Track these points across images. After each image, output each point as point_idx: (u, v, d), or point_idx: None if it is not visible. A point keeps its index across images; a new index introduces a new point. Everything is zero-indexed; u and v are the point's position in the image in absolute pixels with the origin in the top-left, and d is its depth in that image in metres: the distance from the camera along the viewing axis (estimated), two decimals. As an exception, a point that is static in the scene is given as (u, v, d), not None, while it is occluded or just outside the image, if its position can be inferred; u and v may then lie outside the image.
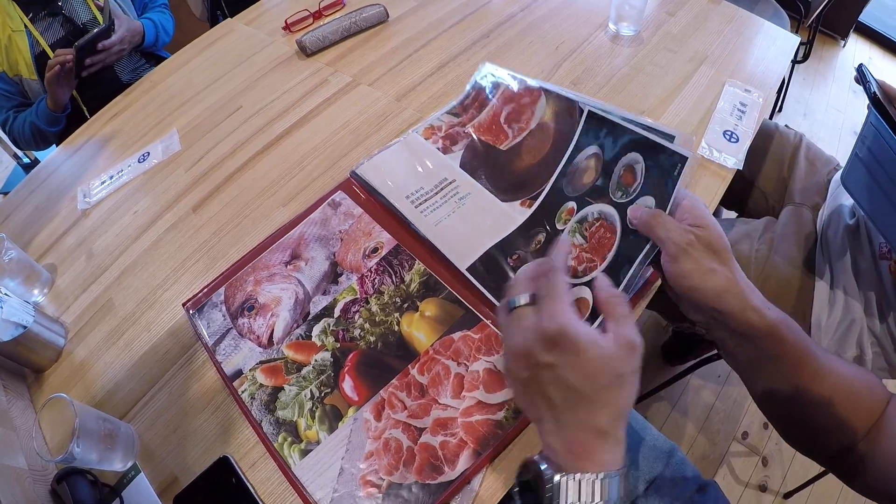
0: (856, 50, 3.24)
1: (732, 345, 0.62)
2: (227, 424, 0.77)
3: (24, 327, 0.84)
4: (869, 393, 0.61)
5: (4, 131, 1.66)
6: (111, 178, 1.15)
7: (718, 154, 0.95)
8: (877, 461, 0.59)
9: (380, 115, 1.11)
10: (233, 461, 0.73)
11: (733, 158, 0.95)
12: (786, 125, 1.37)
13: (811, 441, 0.65)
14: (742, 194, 1.37)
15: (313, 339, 0.80)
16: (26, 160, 2.29)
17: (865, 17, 3.15)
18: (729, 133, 0.99)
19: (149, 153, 1.16)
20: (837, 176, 1.18)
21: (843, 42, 3.24)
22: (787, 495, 1.71)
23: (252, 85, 1.25)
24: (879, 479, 0.59)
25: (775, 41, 1.17)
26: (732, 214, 1.50)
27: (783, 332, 0.58)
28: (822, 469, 1.52)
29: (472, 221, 0.86)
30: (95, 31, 1.47)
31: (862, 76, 0.83)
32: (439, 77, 1.16)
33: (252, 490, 0.71)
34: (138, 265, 0.98)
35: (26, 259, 0.97)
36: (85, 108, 1.65)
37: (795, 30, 1.74)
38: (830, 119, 2.85)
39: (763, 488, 1.74)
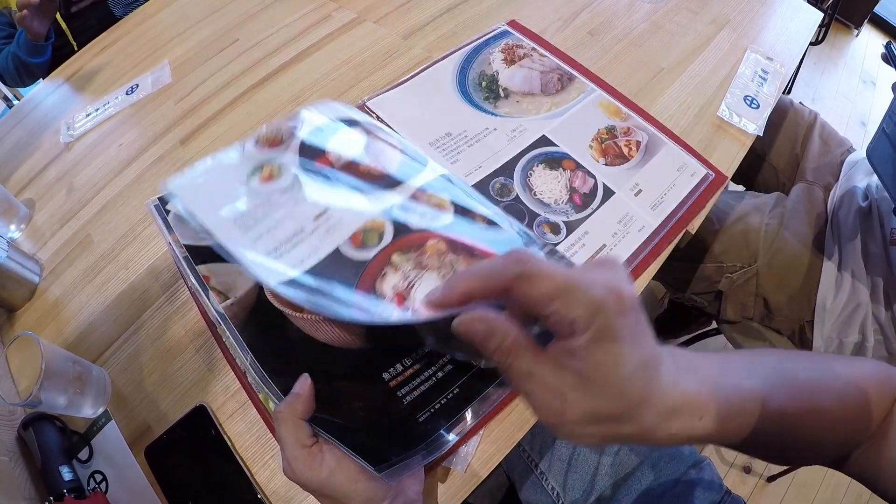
0: (868, 40, 3.22)
1: None
2: (206, 370, 0.72)
3: (-3, 262, 0.79)
4: (868, 397, 0.53)
5: (-9, 65, 1.60)
6: (97, 110, 1.08)
7: (738, 119, 0.91)
8: (883, 460, 0.52)
9: (385, 53, 1.04)
10: (210, 410, 0.68)
11: (753, 125, 0.91)
12: (800, 102, 1.34)
13: (804, 460, 0.58)
14: (752, 168, 1.35)
15: None
16: (16, 101, 2.22)
17: (880, 8, 3.14)
18: (750, 99, 0.95)
19: (137, 85, 1.10)
20: (851, 157, 1.18)
21: (856, 31, 3.21)
22: (771, 479, 1.72)
23: (250, 19, 1.18)
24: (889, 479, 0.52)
25: (798, 14, 1.11)
26: (740, 188, 1.46)
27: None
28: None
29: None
30: None
31: (891, 54, 0.81)
32: (450, 18, 1.09)
33: (229, 442, 0.66)
34: (120, 200, 0.92)
35: (3, 193, 0.92)
36: (75, 44, 1.58)
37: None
38: (839, 106, 2.83)
39: (747, 470, 1.76)
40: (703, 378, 0.45)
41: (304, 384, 0.54)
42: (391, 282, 0.55)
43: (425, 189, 0.63)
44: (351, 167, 0.66)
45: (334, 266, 0.57)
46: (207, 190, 0.68)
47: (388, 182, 0.64)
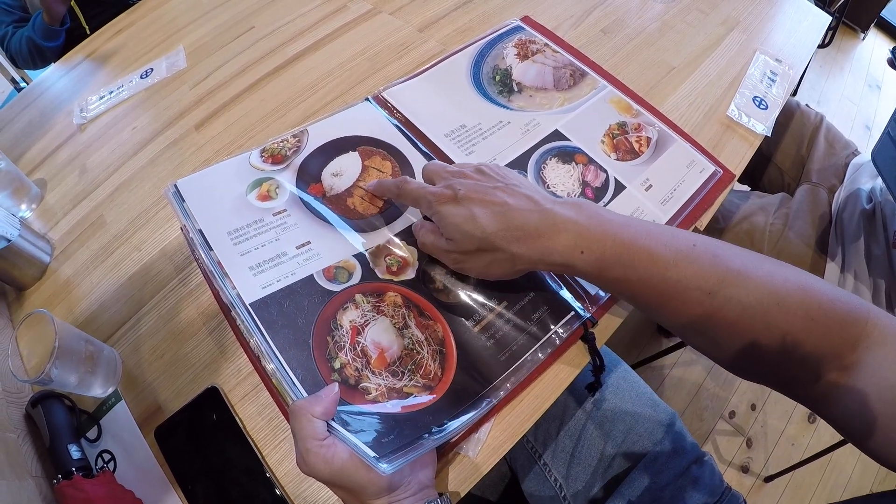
0: (874, 44, 3.22)
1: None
2: (218, 353, 0.72)
3: (8, 241, 0.79)
4: (819, 310, 0.48)
5: (2, 47, 1.60)
6: (111, 93, 1.08)
7: (747, 119, 0.92)
8: (852, 397, 0.47)
9: (401, 45, 1.04)
10: (221, 392, 0.68)
11: (762, 125, 0.92)
12: (807, 104, 1.36)
13: (756, 374, 0.54)
14: (757, 168, 1.36)
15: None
16: (24, 84, 2.22)
17: (887, 12, 3.14)
18: (758, 99, 0.95)
19: (152, 69, 1.10)
20: (856, 160, 1.20)
21: (862, 35, 3.22)
22: (768, 479, 1.73)
23: (266, 6, 1.18)
24: (856, 418, 0.47)
25: (807, 16, 1.11)
26: (745, 188, 1.47)
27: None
28: (805, 458, 1.55)
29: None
30: None
31: None
32: (464, 12, 1.09)
33: (240, 424, 0.66)
34: (134, 182, 0.92)
35: (15, 171, 0.92)
36: (87, 28, 1.58)
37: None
38: (844, 110, 2.84)
39: (745, 469, 1.76)
40: (586, 212, 0.55)
41: (330, 391, 0.55)
42: (350, 316, 0.64)
43: (396, 239, 0.71)
44: (338, 200, 0.74)
45: (306, 289, 0.65)
46: (210, 196, 0.74)
47: (367, 224, 0.72)
